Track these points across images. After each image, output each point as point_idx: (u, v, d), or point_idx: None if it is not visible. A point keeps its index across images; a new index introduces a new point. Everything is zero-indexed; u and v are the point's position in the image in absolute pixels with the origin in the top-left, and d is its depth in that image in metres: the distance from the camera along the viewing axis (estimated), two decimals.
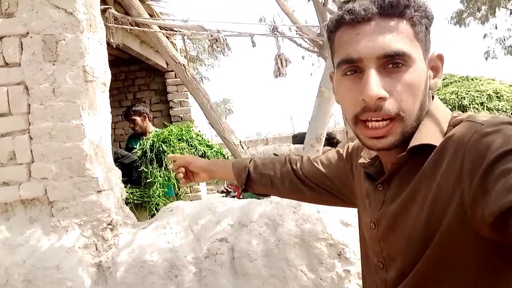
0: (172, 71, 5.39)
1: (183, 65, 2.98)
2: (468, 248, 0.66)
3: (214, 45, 2.60)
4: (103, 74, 2.44)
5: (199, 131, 3.64)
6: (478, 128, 0.66)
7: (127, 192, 2.93)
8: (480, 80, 7.80)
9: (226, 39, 2.60)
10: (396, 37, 0.71)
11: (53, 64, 2.22)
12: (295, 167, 1.16)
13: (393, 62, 0.71)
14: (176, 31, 2.99)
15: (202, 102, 3.00)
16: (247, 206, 2.36)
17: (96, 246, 2.26)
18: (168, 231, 2.32)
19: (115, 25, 2.74)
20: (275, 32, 2.83)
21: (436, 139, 0.73)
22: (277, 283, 2.11)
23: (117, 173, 2.54)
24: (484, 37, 15.17)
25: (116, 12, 2.79)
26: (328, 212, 2.21)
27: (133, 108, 3.91)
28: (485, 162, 0.60)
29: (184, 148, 3.25)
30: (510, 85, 7.76)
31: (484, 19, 14.43)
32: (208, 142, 3.51)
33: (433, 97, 0.80)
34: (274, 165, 1.20)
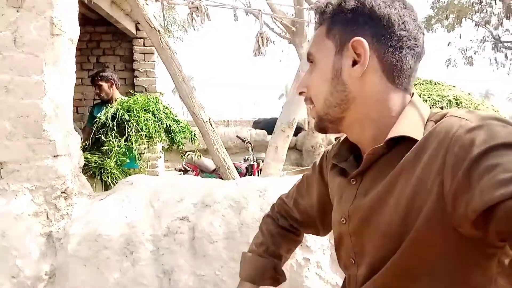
0: (141, 38, 5.17)
1: (158, 31, 2.82)
2: (446, 243, 0.64)
3: (194, 13, 2.46)
4: (71, 30, 2.25)
5: (168, 104, 3.51)
6: (462, 123, 0.65)
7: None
8: (442, 85, 8.11)
9: (207, 8, 2.47)
10: (313, 40, 0.85)
11: (17, 11, 1.99)
12: (293, 222, 1.16)
13: (310, 61, 0.86)
14: None
15: (174, 73, 2.86)
16: (212, 186, 2.29)
17: (47, 215, 2.09)
18: (127, 205, 2.20)
19: None
20: (259, 10, 2.73)
21: (415, 132, 0.72)
22: (236, 267, 2.05)
23: (76, 139, 2.36)
24: (448, 44, 15.73)
25: None
26: None
27: (101, 74, 3.70)
28: (469, 157, 0.60)
29: (149, 119, 3.12)
30: (469, 94, 8.12)
31: (451, 28, 14.92)
32: (176, 116, 3.40)
33: (413, 94, 0.81)
34: (282, 237, 1.15)
